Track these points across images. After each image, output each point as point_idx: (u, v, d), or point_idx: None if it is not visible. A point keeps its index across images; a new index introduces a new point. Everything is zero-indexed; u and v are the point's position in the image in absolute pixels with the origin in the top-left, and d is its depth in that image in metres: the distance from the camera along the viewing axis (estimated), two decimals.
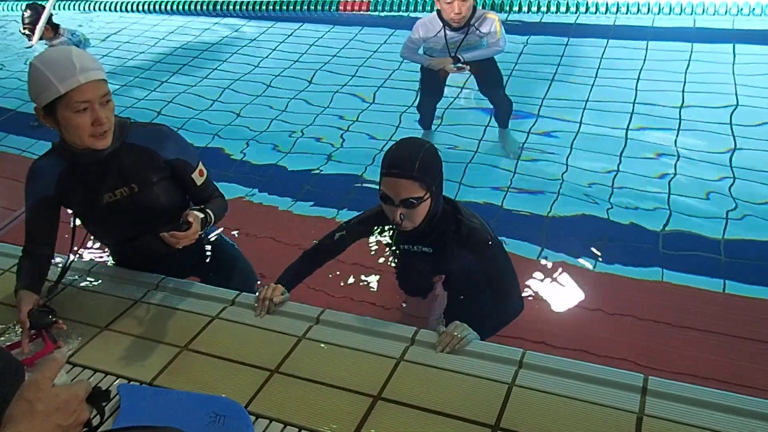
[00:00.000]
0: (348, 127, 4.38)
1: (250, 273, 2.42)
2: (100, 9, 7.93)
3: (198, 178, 2.05)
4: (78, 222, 2.09)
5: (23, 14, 5.35)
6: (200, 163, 2.06)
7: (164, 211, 2.01)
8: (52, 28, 5.30)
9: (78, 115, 1.72)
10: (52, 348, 1.86)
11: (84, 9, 7.96)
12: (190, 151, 2.05)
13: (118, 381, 1.74)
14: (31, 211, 2.00)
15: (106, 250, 2.33)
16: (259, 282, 2.42)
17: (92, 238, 2.23)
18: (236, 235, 3.13)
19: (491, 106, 4.08)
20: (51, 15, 5.32)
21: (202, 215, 1.95)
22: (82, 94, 1.70)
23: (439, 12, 3.63)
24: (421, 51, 3.86)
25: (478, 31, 3.67)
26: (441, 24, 3.66)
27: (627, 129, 3.94)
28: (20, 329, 1.91)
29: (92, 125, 1.75)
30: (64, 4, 7.96)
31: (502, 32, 3.69)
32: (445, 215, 2.01)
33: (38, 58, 1.73)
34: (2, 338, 1.95)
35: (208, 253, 2.31)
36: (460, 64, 3.71)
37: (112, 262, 2.35)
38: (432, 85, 4.01)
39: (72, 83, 1.68)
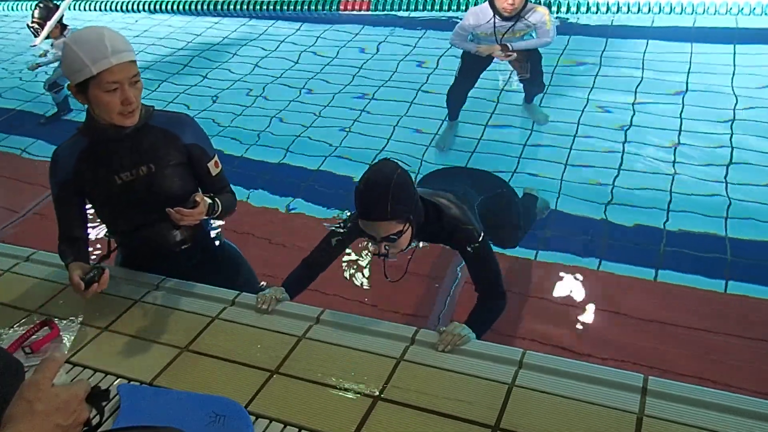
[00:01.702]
0: (348, 127, 4.38)
1: (252, 277, 2.43)
2: (100, 9, 7.93)
3: (213, 169, 2.11)
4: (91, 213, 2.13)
5: (33, 10, 5.34)
6: (216, 156, 2.13)
7: (176, 199, 2.01)
8: (61, 27, 5.30)
9: (108, 95, 1.80)
10: (58, 333, 1.87)
11: (84, 9, 7.96)
12: (208, 141, 2.13)
13: (118, 381, 1.74)
14: (56, 200, 2.06)
15: (114, 246, 2.31)
16: (263, 284, 2.43)
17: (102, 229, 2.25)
18: (236, 236, 3.13)
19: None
20: (62, 15, 5.31)
21: (209, 200, 2.00)
22: (113, 74, 1.78)
23: (491, 1, 3.74)
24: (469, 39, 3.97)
25: (526, 22, 3.76)
26: (492, 13, 3.77)
27: (626, 129, 3.94)
28: (14, 331, 1.93)
29: (121, 104, 1.82)
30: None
31: (553, 25, 3.79)
32: (428, 217, 2.06)
33: (72, 38, 1.80)
34: (8, 333, 1.95)
35: (210, 254, 2.31)
36: (509, 51, 3.81)
37: (118, 260, 2.34)
38: (470, 72, 4.08)
39: (104, 64, 1.75)
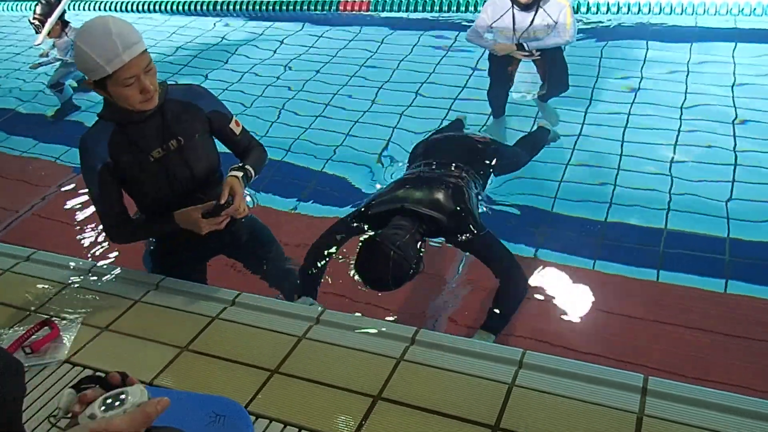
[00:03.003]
0: (348, 128, 4.37)
1: (280, 252, 2.46)
2: (99, 9, 7.93)
3: (236, 128, 2.18)
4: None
5: (35, 6, 5.34)
6: (234, 116, 2.18)
7: (206, 169, 2.12)
8: (62, 25, 5.30)
9: (127, 89, 1.83)
10: (58, 333, 1.87)
11: (83, 9, 7.96)
12: (223, 105, 2.18)
13: None
14: (98, 186, 2.02)
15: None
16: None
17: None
18: None
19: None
20: (64, 12, 5.31)
21: (240, 173, 2.05)
22: (129, 70, 1.80)
23: None
24: (490, 37, 3.88)
25: (546, 14, 3.65)
26: (509, 3, 3.67)
27: (624, 128, 3.93)
28: (14, 331, 1.93)
29: (140, 94, 1.86)
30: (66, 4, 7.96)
31: (573, 22, 3.66)
32: (429, 231, 2.24)
33: (80, 38, 1.79)
34: (8, 333, 1.95)
35: (243, 233, 2.35)
36: (525, 51, 3.72)
37: (152, 245, 2.38)
38: (500, 72, 4.00)
39: (117, 63, 1.77)
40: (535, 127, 3.80)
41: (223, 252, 2.37)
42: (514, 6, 3.66)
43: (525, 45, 3.71)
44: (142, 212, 2.21)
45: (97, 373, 1.70)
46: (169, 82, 2.07)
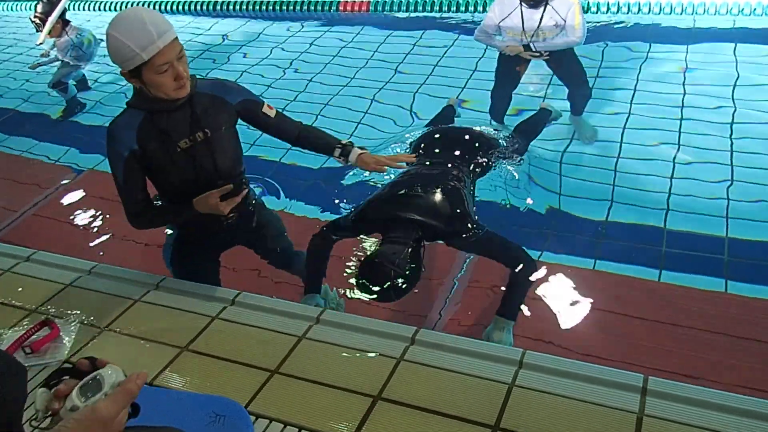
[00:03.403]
0: (348, 128, 4.37)
1: (288, 240, 2.56)
2: (99, 9, 7.93)
3: (269, 112, 2.22)
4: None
5: (36, 4, 5.34)
6: (265, 102, 2.24)
7: (230, 162, 2.18)
8: (63, 24, 5.30)
9: (161, 75, 1.89)
10: (58, 333, 1.87)
11: (83, 9, 7.96)
12: (251, 93, 2.23)
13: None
14: (122, 172, 2.06)
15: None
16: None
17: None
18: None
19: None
20: (65, 10, 5.31)
21: (352, 147, 2.24)
22: (163, 57, 1.86)
23: None
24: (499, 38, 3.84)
25: (554, 12, 3.59)
26: (518, 2, 3.62)
27: (623, 128, 3.93)
28: (14, 331, 1.93)
29: (174, 80, 1.92)
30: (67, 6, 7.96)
31: (582, 22, 3.61)
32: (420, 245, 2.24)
33: (115, 29, 1.85)
34: (8, 333, 1.95)
35: (257, 222, 2.43)
36: (533, 52, 3.70)
37: (174, 235, 2.44)
38: (507, 73, 3.96)
39: (153, 50, 1.83)
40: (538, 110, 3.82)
41: (238, 242, 2.45)
42: (522, 4, 3.61)
43: (532, 46, 3.68)
44: (163, 200, 2.26)
45: (64, 365, 1.68)
46: (198, 77, 2.12)
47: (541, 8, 3.60)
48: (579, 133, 3.94)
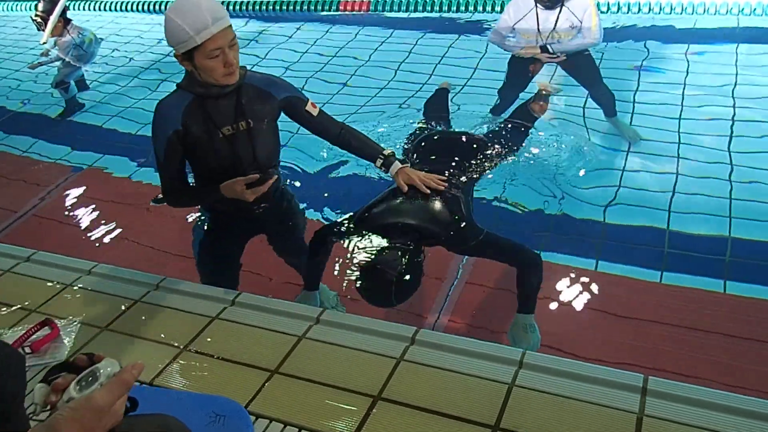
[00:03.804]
0: None
1: (305, 248, 2.58)
2: (99, 9, 7.93)
3: (313, 110, 2.30)
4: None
5: (37, 2, 5.35)
6: (310, 100, 2.31)
7: (267, 154, 2.28)
8: (64, 22, 5.31)
9: (212, 60, 1.98)
10: (58, 333, 1.88)
11: (83, 9, 7.95)
12: (297, 90, 2.32)
13: None
14: (164, 150, 2.15)
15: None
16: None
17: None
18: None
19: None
20: (65, 9, 5.32)
21: (394, 159, 2.32)
22: (216, 42, 1.94)
23: None
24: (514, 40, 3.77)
25: (570, 14, 3.54)
26: (533, 3, 3.57)
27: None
28: (14, 331, 1.92)
29: (224, 67, 1.99)
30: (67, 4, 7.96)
31: (598, 23, 3.56)
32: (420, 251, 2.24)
33: (173, 12, 1.94)
34: (8, 333, 1.95)
35: (286, 213, 2.52)
36: (550, 54, 3.63)
37: (206, 219, 2.50)
38: (519, 75, 3.89)
39: (206, 34, 1.92)
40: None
41: (264, 231, 2.52)
42: (538, 5, 3.56)
43: (549, 48, 3.62)
44: (197, 183, 2.35)
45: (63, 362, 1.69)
46: (249, 69, 2.21)
47: (557, 10, 3.55)
48: (621, 134, 3.85)
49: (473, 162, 2.81)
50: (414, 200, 2.32)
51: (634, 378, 1.60)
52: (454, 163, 2.69)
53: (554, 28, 3.60)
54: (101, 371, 0.96)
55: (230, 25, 1.97)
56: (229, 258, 2.45)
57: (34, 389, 0.96)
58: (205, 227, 2.50)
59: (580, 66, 3.81)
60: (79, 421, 0.88)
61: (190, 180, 2.32)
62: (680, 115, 3.99)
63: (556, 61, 3.74)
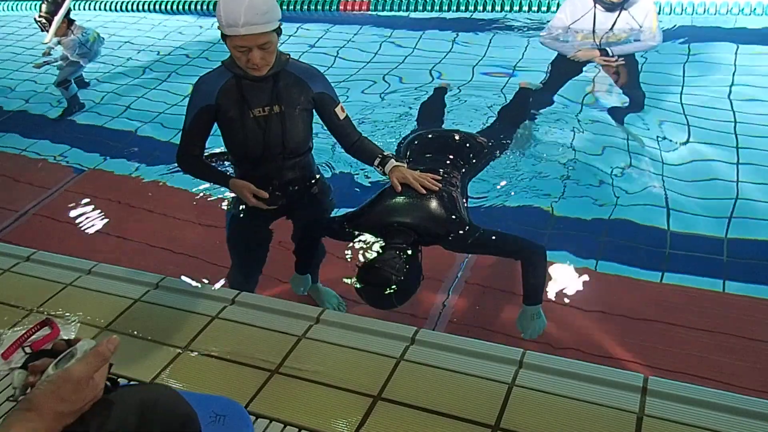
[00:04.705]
0: None
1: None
2: (99, 9, 7.93)
3: (340, 113, 2.39)
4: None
5: (41, 4, 5.36)
6: (341, 104, 2.40)
7: (296, 141, 2.35)
8: (68, 23, 5.31)
9: (237, 51, 2.10)
10: (58, 333, 1.87)
11: (83, 9, 7.96)
12: (334, 91, 2.41)
13: None
14: (191, 119, 2.29)
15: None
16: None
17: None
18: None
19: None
20: (69, 10, 5.33)
21: (395, 162, 2.39)
22: (242, 41, 2.05)
23: None
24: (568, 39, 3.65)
25: (630, 17, 3.41)
26: (592, 3, 3.44)
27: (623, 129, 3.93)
28: (14, 331, 1.93)
29: (247, 62, 2.10)
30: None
31: (658, 26, 3.47)
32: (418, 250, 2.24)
33: None
34: (8, 333, 1.95)
35: (317, 201, 2.61)
36: (609, 57, 3.51)
37: (236, 199, 2.55)
38: (559, 77, 3.75)
39: (232, 32, 2.03)
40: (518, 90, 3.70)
41: (292, 215, 2.60)
42: (597, 6, 3.43)
43: (609, 50, 3.49)
44: (231, 157, 2.50)
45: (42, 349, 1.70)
46: (293, 58, 2.32)
47: (617, 12, 3.43)
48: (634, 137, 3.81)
49: (467, 160, 2.81)
50: (409, 199, 2.32)
51: (634, 378, 1.61)
52: (448, 161, 2.69)
53: (611, 29, 3.47)
54: (78, 350, 0.99)
55: (266, 32, 2.04)
56: (257, 237, 2.57)
57: (14, 374, 0.98)
58: (240, 207, 2.57)
59: (629, 67, 3.69)
60: (56, 392, 0.90)
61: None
62: (683, 110, 3.99)
63: (613, 63, 3.60)
